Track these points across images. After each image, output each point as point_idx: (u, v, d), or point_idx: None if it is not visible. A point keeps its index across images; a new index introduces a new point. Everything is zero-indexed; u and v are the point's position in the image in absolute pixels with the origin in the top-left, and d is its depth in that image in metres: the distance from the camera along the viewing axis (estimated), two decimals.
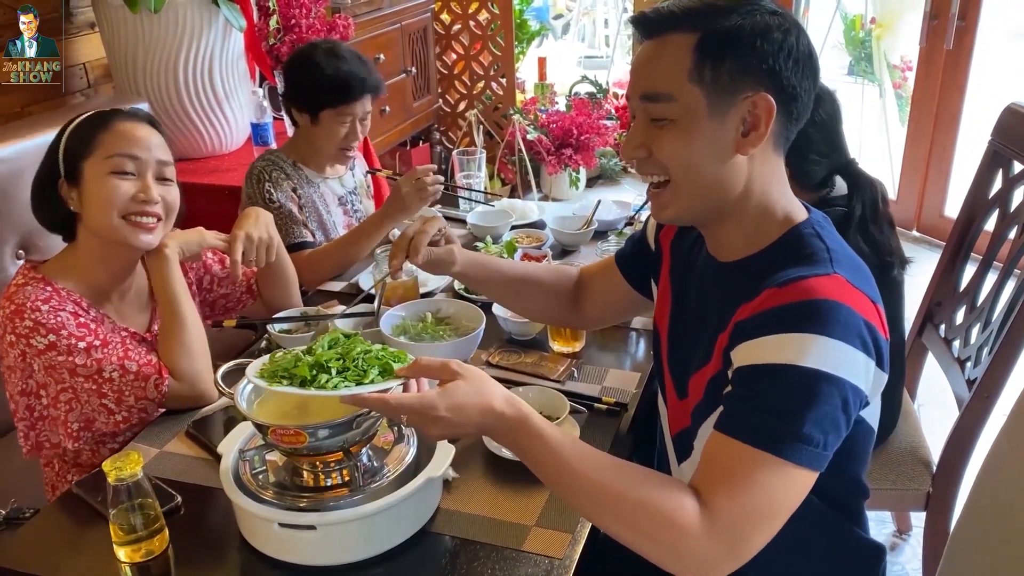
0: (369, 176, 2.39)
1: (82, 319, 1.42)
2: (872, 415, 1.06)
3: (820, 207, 1.56)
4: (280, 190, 2.05)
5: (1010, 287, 1.67)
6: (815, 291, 0.95)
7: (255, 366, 1.13)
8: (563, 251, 2.13)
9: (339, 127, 2.07)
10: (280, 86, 2.85)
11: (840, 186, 1.64)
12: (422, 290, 1.81)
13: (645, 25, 1.03)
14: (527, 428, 0.99)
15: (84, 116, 1.45)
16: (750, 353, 0.96)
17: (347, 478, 1.15)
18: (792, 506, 0.94)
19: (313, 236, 2.09)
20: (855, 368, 0.94)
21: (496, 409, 0.99)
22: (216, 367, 1.24)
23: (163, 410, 1.48)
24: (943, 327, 1.88)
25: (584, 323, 1.54)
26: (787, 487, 0.93)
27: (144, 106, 2.18)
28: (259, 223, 1.65)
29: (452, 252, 1.37)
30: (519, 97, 4.73)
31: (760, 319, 0.97)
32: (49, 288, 1.42)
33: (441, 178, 2.00)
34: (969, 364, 1.73)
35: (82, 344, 1.39)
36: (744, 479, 0.92)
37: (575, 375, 1.56)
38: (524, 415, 0.99)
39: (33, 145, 1.86)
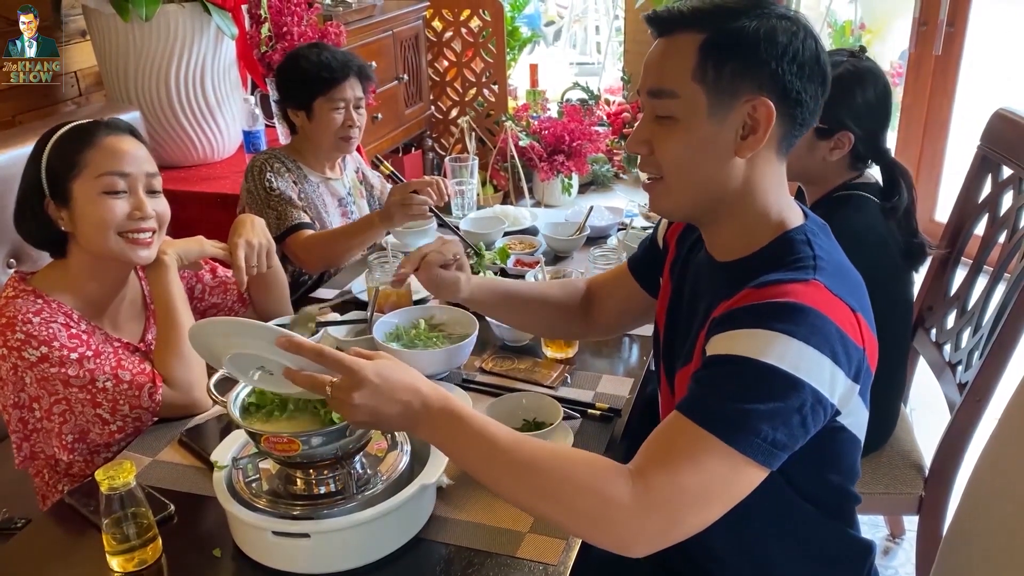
0: (358, 175, 2.40)
1: (73, 330, 1.41)
2: (855, 424, 1.05)
3: (851, 189, 1.61)
4: (280, 179, 2.10)
5: (1000, 291, 1.68)
6: (789, 294, 0.96)
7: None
8: (556, 257, 2.13)
9: (333, 114, 2.12)
10: (273, 95, 2.85)
11: (867, 174, 1.69)
12: (415, 297, 1.81)
13: (657, 24, 1.05)
14: (450, 411, 0.99)
15: (64, 131, 1.43)
16: (718, 345, 0.97)
17: (341, 486, 1.15)
18: (732, 495, 0.94)
19: (310, 219, 2.11)
20: (819, 374, 0.93)
21: (422, 391, 0.99)
22: (209, 375, 1.24)
23: (156, 419, 1.47)
24: (934, 331, 1.89)
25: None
26: (727, 474, 0.93)
27: (136, 115, 2.18)
28: (256, 229, 1.66)
29: (459, 281, 1.35)
30: (511, 104, 4.74)
31: (732, 315, 0.98)
32: (40, 300, 1.41)
33: (427, 200, 1.96)
34: (960, 368, 1.74)
35: (74, 355, 1.39)
36: (685, 458, 0.93)
37: (568, 381, 1.56)
38: (447, 398, 1.00)
39: (24, 154, 1.83)
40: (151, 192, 1.46)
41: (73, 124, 1.44)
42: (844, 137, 1.59)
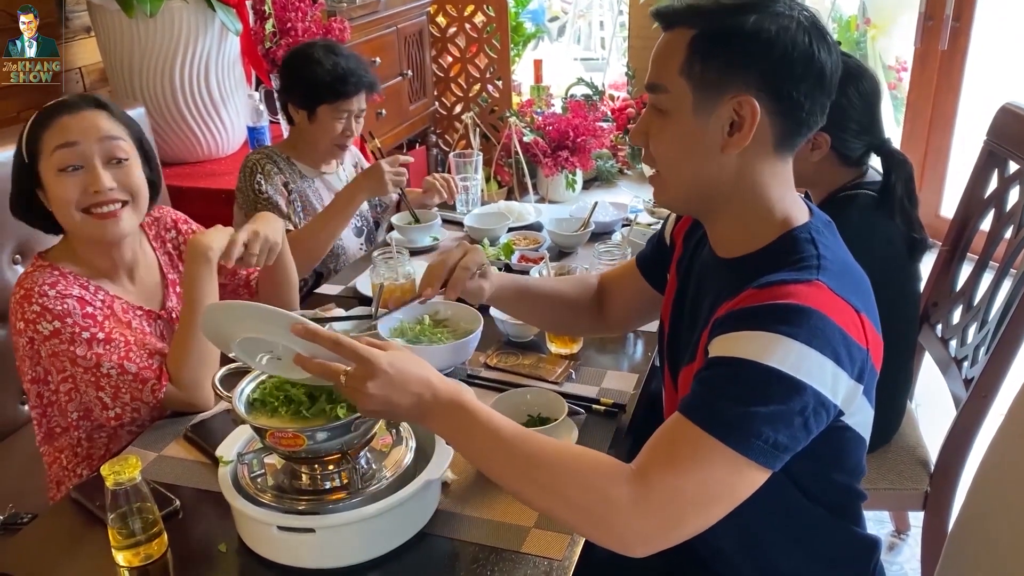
0: (357, 169, 2.40)
1: (89, 308, 1.41)
2: (860, 423, 1.05)
3: (855, 188, 1.61)
4: (270, 183, 2.09)
5: (1006, 286, 1.67)
6: (791, 295, 0.95)
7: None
8: (560, 253, 2.13)
9: (335, 123, 2.12)
10: (276, 83, 2.85)
11: (871, 172, 1.68)
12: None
13: (660, 19, 1.06)
14: (459, 404, 1.00)
15: (34, 117, 1.42)
16: (720, 346, 0.98)
17: (345, 481, 1.15)
18: (733, 497, 0.95)
19: (296, 230, 2.10)
20: (821, 376, 0.93)
21: (433, 383, 1.01)
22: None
23: (161, 412, 1.47)
24: (940, 327, 1.88)
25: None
26: (729, 476, 0.93)
27: (140, 110, 2.18)
28: (269, 224, 1.65)
29: (483, 289, 1.34)
30: (515, 99, 4.74)
31: (734, 316, 0.98)
32: (56, 272, 1.42)
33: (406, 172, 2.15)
34: (966, 363, 1.73)
35: (85, 335, 1.39)
36: (687, 459, 0.93)
37: (573, 377, 1.56)
38: (457, 391, 1.02)
39: None
40: (113, 161, 1.43)
41: (43, 107, 1.43)
42: (819, 138, 1.58)
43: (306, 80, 2.09)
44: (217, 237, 1.55)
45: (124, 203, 1.44)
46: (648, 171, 1.13)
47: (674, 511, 0.93)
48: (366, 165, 2.46)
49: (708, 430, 0.93)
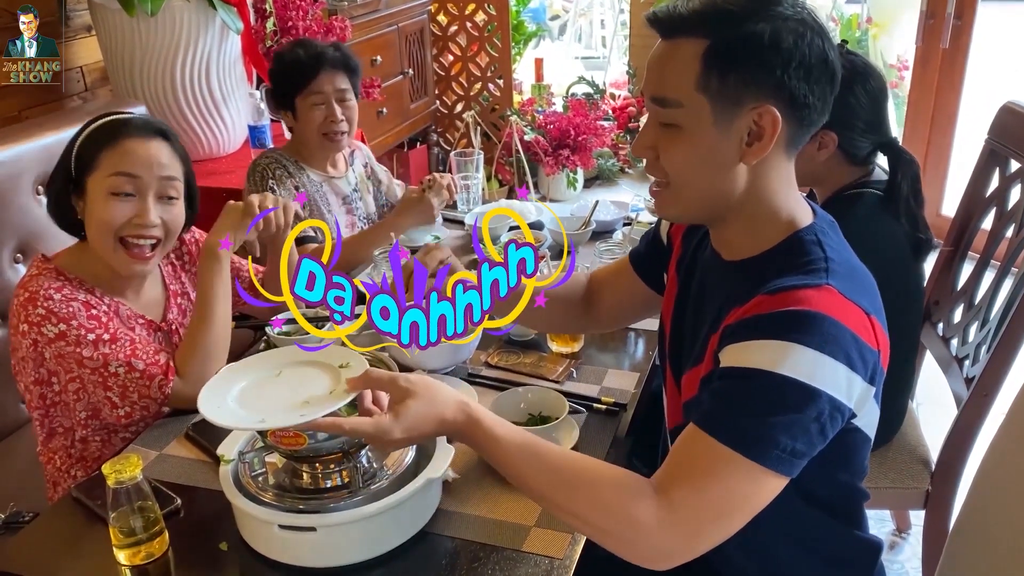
0: (367, 169, 2.38)
1: (94, 311, 1.42)
2: (868, 424, 1.05)
3: (861, 187, 1.61)
4: (283, 187, 2.08)
5: (1008, 285, 1.67)
6: (802, 301, 0.95)
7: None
8: (561, 252, 2.13)
9: (314, 111, 2.08)
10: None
11: (877, 171, 1.68)
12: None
13: (658, 25, 1.02)
14: (479, 430, 1.02)
15: (98, 124, 1.44)
16: (733, 356, 0.97)
17: (347, 480, 1.15)
18: (754, 506, 0.95)
19: (315, 232, 2.09)
20: (835, 381, 0.93)
21: (449, 419, 1.03)
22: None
23: (167, 409, 1.48)
24: (941, 325, 1.88)
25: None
26: (749, 487, 0.94)
27: (142, 109, 2.18)
28: (268, 196, 1.65)
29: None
30: (516, 98, 4.74)
31: (746, 324, 0.98)
32: (62, 278, 1.43)
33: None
34: (967, 362, 1.73)
35: (91, 336, 1.40)
36: (707, 474, 0.94)
37: (574, 375, 1.56)
38: (475, 419, 1.03)
39: (30, 149, 1.85)
40: (165, 198, 1.45)
41: (109, 118, 1.44)
42: (827, 137, 1.58)
43: (276, 77, 2.11)
44: (224, 224, 1.54)
45: (157, 242, 1.46)
46: (652, 182, 1.11)
47: (696, 525, 0.94)
48: (377, 165, 2.44)
49: (726, 442, 0.93)
